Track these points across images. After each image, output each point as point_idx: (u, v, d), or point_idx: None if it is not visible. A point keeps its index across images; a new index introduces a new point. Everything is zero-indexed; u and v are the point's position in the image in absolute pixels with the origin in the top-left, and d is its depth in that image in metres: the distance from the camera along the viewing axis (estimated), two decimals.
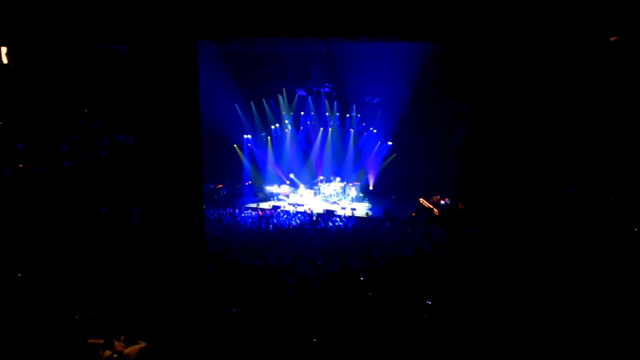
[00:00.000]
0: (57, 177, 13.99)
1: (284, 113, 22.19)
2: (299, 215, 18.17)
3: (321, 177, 21.24)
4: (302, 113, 22.24)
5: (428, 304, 8.86)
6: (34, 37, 10.03)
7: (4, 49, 14.33)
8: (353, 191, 20.37)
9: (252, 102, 21.61)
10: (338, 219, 17.39)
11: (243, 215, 17.99)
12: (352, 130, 21.75)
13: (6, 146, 13.51)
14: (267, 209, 19.16)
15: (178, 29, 6.78)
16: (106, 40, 12.21)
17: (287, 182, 21.54)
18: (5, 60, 14.42)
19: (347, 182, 20.82)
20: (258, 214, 18.28)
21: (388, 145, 21.07)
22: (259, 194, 20.81)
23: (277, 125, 22.22)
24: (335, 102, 21.48)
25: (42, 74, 15.58)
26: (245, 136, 21.80)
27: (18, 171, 13.16)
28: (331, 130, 21.94)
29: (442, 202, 18.29)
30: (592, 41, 12.08)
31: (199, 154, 7.25)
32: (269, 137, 22.27)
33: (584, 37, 11.04)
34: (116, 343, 6.54)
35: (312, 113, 22.26)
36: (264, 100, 21.86)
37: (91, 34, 8.66)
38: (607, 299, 8.61)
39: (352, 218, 17.69)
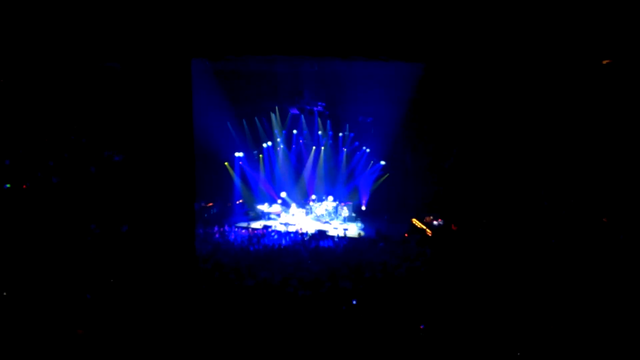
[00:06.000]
0: (45, 194, 13.79)
1: (276, 131, 22.15)
2: (291, 234, 18.00)
3: (313, 197, 21.11)
4: (295, 131, 22.21)
5: (421, 327, 8.72)
6: (23, 53, 9.94)
7: None
8: (345, 211, 20.22)
9: (244, 120, 21.55)
10: (330, 239, 17.24)
11: (234, 233, 17.78)
12: (345, 149, 21.74)
13: None
14: (258, 228, 18.97)
15: (172, 47, 6.74)
16: (99, 57, 12.13)
17: (279, 201, 21.36)
18: None
19: (340, 202, 20.69)
20: (249, 233, 18.09)
21: (381, 164, 21.05)
22: (250, 212, 20.62)
23: (269, 143, 22.16)
24: (328, 121, 21.50)
25: (31, 89, 15.45)
26: (236, 154, 21.69)
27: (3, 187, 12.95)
28: (324, 149, 21.90)
29: (435, 222, 18.20)
30: (585, 63, 12.19)
31: (192, 173, 7.16)
32: (260, 156, 22.19)
33: (577, 59, 11.14)
34: None
35: (305, 131, 22.25)
36: (256, 118, 21.83)
37: (84, 52, 8.59)
38: (601, 318, 8.54)
39: (345, 238, 17.53)
